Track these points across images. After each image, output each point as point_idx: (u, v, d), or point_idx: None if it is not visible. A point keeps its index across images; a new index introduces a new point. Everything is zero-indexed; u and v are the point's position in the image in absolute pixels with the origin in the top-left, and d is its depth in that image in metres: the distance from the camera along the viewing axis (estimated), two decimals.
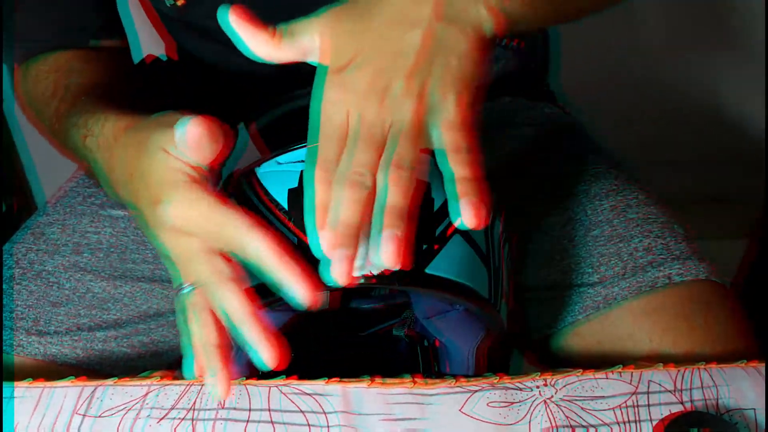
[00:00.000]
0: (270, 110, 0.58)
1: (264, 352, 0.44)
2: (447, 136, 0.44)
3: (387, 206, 0.42)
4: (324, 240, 0.42)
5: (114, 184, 0.52)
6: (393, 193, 0.43)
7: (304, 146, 0.49)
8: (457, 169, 0.43)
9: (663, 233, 0.65)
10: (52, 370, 0.59)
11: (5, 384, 0.50)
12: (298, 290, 0.43)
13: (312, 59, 0.46)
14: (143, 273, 0.66)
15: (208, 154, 0.46)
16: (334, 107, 0.44)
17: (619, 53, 1.24)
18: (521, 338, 0.67)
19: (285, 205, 0.47)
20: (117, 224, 0.68)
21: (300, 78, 0.48)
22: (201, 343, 0.47)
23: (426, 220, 0.47)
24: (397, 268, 0.42)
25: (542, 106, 0.82)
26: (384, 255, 0.42)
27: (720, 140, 1.35)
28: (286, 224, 0.46)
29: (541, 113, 0.81)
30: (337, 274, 0.42)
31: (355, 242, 0.42)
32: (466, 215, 0.42)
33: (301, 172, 0.48)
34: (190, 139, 0.46)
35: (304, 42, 0.46)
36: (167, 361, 0.64)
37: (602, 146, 0.76)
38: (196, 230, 0.46)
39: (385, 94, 0.44)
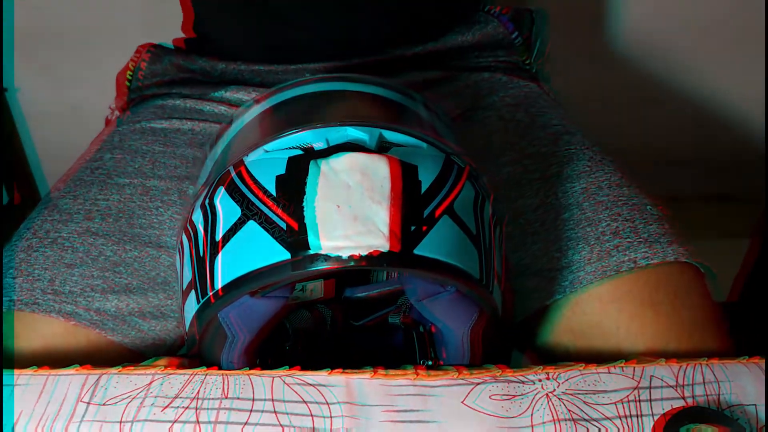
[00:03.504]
0: (282, 91, 0.58)
1: None
2: None
3: None
4: None
5: None
6: None
7: (291, 133, 0.50)
8: None
9: (632, 216, 0.65)
10: (57, 358, 0.60)
11: (7, 372, 0.50)
12: None
13: None
14: (150, 238, 0.68)
15: None
16: None
17: (620, 52, 1.24)
18: (513, 324, 0.66)
19: (273, 192, 0.47)
20: (123, 191, 0.70)
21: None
22: None
23: (413, 202, 0.47)
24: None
25: (521, 84, 0.80)
26: None
27: (721, 139, 1.35)
28: (275, 210, 0.47)
29: (519, 92, 0.79)
30: None
31: None
32: None
33: (288, 158, 0.48)
34: None
35: None
36: (178, 332, 0.64)
37: (579, 127, 0.75)
38: None
39: None
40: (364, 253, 0.44)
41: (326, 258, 0.45)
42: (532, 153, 0.72)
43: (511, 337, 0.68)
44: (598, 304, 0.60)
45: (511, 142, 0.73)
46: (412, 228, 0.46)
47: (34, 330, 0.60)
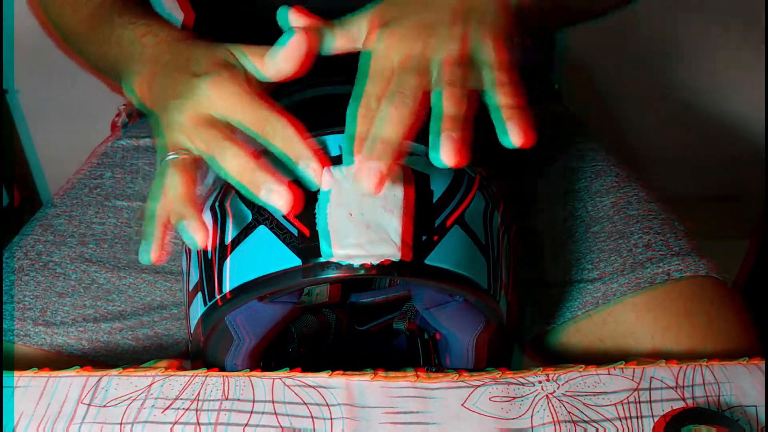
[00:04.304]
0: (280, 99, 0.58)
1: (281, 195, 0.45)
2: (492, 73, 0.46)
3: (443, 115, 0.44)
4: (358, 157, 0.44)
5: (152, 74, 0.54)
6: (447, 104, 0.45)
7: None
8: (503, 98, 0.45)
9: (663, 230, 0.66)
10: (58, 361, 0.60)
11: (8, 373, 0.50)
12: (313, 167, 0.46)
13: (360, 46, 0.50)
14: (146, 264, 0.66)
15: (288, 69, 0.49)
16: (382, 56, 0.47)
17: (623, 54, 1.25)
18: (520, 333, 0.67)
19: None
20: (121, 215, 0.69)
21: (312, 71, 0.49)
22: (176, 194, 0.48)
23: (425, 212, 0.47)
24: (454, 165, 0.43)
25: (546, 105, 0.82)
26: (443, 155, 0.43)
27: (722, 140, 1.35)
28: (287, 216, 0.47)
29: (545, 111, 0.81)
30: (367, 182, 0.43)
31: (391, 156, 0.44)
32: (513, 134, 0.44)
33: None
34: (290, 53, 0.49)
35: (353, 30, 0.50)
36: (171, 354, 0.64)
37: (603, 145, 0.77)
38: (225, 108, 0.48)
39: (430, 37, 0.47)
40: (375, 262, 0.44)
41: (337, 266, 0.45)
42: (559, 167, 0.73)
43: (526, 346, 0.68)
44: (633, 314, 0.61)
45: (538, 156, 0.74)
46: (424, 238, 0.46)
47: (24, 359, 0.60)
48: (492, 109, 0.45)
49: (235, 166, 0.46)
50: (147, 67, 0.54)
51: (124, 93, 0.57)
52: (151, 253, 0.48)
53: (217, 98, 0.48)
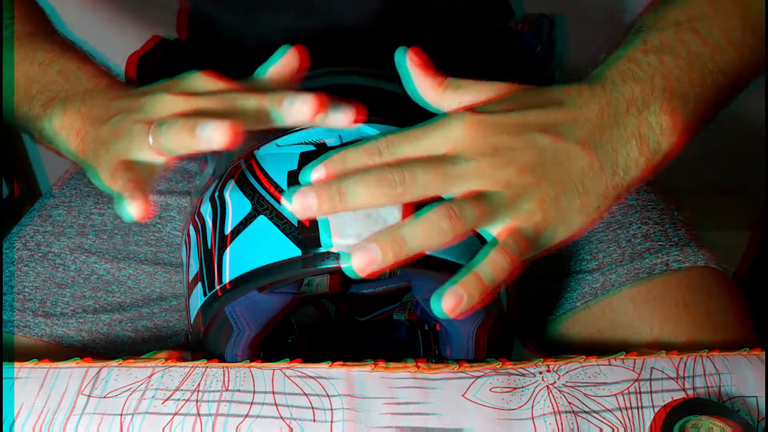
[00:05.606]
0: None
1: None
2: (507, 235, 0.41)
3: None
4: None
5: (91, 103, 0.49)
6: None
7: (303, 129, 0.49)
8: (485, 265, 0.40)
9: (662, 220, 0.65)
10: (58, 352, 0.60)
11: (8, 365, 0.50)
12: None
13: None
14: (146, 256, 0.66)
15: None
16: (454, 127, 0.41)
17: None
18: (520, 324, 0.67)
19: (285, 187, 0.47)
20: None
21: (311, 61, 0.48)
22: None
23: (425, 201, 0.47)
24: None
25: None
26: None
27: (723, 132, 1.35)
28: (286, 206, 0.47)
29: None
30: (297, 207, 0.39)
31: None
32: (446, 300, 0.38)
33: (300, 153, 0.48)
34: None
35: (468, 96, 0.45)
36: (171, 346, 0.64)
37: None
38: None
39: (499, 151, 0.41)
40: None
41: (337, 256, 0.45)
42: None
43: (526, 336, 0.68)
44: (631, 305, 0.61)
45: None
46: None
47: (24, 350, 0.60)
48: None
49: (169, 120, 0.41)
50: (87, 98, 0.50)
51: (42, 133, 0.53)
52: (132, 209, 0.41)
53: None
